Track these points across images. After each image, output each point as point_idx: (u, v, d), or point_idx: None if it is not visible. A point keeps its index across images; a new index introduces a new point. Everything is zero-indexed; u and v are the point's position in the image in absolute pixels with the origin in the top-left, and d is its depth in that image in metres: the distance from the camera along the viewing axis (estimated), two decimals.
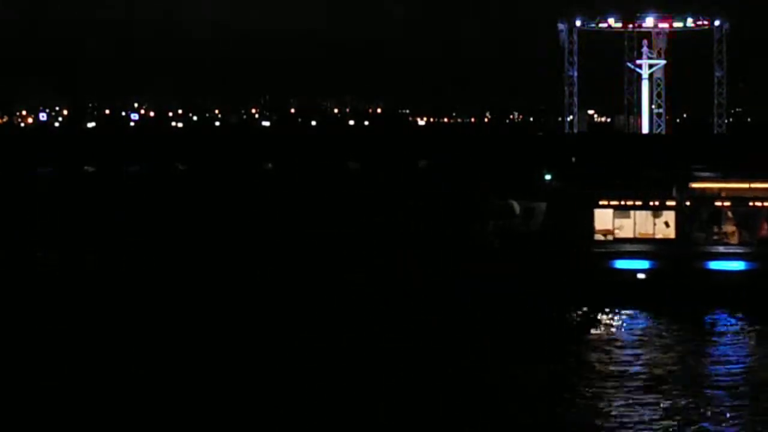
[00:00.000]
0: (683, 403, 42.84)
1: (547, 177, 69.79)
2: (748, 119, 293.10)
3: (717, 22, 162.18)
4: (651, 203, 63.55)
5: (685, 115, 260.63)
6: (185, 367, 48.65)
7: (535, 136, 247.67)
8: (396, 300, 61.79)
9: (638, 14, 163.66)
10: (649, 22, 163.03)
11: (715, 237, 63.28)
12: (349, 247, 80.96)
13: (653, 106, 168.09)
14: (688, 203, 63.43)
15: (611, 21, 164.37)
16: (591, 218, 63.59)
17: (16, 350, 52.06)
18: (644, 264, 61.63)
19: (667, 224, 63.20)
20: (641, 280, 61.25)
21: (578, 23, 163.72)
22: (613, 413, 41.58)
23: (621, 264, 61.73)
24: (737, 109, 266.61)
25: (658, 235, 63.22)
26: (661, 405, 42.51)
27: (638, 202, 63.64)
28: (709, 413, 41.53)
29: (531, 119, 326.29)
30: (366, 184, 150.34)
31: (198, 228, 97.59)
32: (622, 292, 60.36)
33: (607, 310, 58.96)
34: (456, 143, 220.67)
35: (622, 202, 63.75)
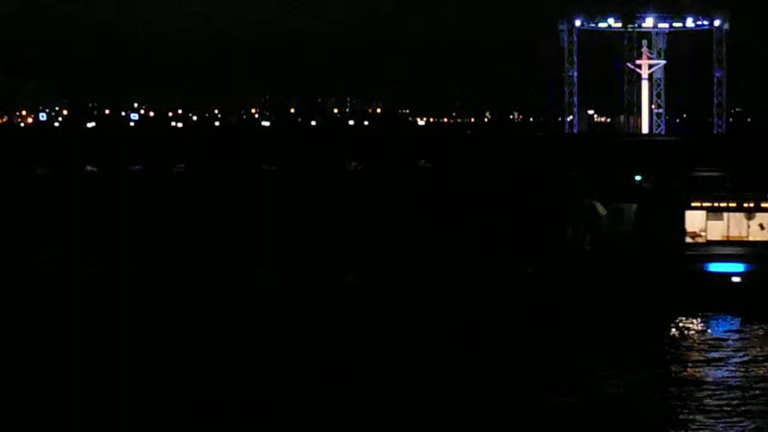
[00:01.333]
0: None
1: (638, 178, 68.98)
2: (748, 119, 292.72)
3: (717, 22, 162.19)
4: (745, 205, 62.55)
5: (685, 115, 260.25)
6: (185, 367, 48.61)
7: (536, 135, 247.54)
8: (396, 300, 61.74)
9: (638, 14, 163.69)
10: (649, 22, 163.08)
11: None
12: (349, 247, 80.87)
13: (653, 106, 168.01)
14: None
15: (611, 21, 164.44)
16: (682, 220, 62.65)
17: (17, 350, 52.04)
18: (739, 267, 60.31)
19: (761, 226, 62.16)
20: (736, 283, 59.99)
21: (578, 23, 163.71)
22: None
23: (715, 267, 60.42)
24: (737, 109, 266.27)
25: (752, 238, 62.13)
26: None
27: (732, 204, 62.60)
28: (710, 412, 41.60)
29: (531, 119, 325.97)
30: (366, 184, 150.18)
31: (198, 228, 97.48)
32: (718, 295, 59.00)
33: (699, 313, 57.93)
34: (456, 143, 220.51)
35: (715, 204, 62.83)
